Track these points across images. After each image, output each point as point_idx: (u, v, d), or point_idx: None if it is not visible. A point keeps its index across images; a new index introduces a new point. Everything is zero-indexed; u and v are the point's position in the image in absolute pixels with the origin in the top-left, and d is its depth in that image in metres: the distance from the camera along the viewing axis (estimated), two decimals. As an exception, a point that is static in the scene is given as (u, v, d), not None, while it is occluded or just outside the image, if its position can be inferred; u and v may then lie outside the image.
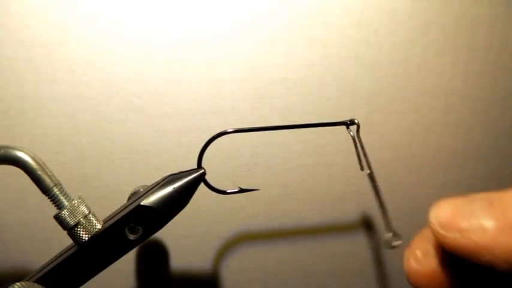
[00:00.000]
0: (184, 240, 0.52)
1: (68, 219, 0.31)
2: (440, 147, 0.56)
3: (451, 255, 0.22)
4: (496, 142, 0.57)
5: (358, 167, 0.34)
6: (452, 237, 0.21)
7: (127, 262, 0.52)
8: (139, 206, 0.32)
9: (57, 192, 0.31)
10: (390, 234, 0.33)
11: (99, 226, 0.32)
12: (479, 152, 0.57)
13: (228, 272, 0.54)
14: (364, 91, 0.52)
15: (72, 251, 0.33)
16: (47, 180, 0.31)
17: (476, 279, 0.24)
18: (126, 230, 0.32)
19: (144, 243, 0.33)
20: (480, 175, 0.58)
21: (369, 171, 0.35)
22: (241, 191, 0.37)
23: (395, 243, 0.33)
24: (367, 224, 0.56)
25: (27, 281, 0.32)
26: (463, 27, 0.52)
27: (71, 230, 0.32)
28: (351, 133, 0.36)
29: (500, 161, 0.58)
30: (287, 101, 0.50)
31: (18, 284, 0.30)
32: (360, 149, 0.35)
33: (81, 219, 0.32)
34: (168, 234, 0.52)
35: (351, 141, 0.38)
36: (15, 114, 0.46)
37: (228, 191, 0.36)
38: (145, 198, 0.32)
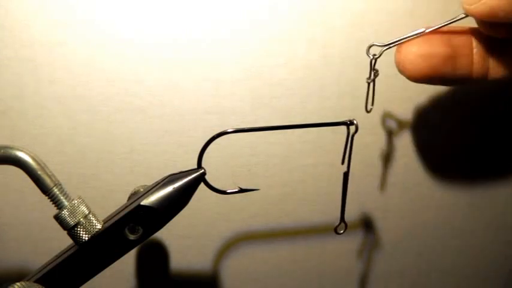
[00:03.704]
0: (184, 240, 0.52)
1: (68, 219, 0.31)
2: (440, 147, 0.56)
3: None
4: (496, 142, 0.57)
5: (341, 160, 0.40)
6: (474, 7, 0.34)
7: (127, 262, 0.52)
8: (139, 206, 0.32)
9: (57, 192, 0.31)
10: (342, 224, 0.40)
11: (99, 226, 0.32)
12: (479, 152, 0.57)
13: (228, 272, 0.54)
14: (364, 91, 0.51)
15: (72, 251, 0.33)
16: (47, 180, 0.31)
17: None
18: (126, 230, 0.32)
19: (144, 243, 0.33)
20: (480, 175, 0.58)
21: (346, 171, 0.39)
22: (241, 191, 0.37)
23: (341, 231, 0.40)
24: (367, 224, 0.56)
25: (27, 281, 0.32)
26: (463, 27, 0.52)
27: (71, 230, 0.32)
28: (348, 132, 0.39)
29: (500, 161, 0.58)
30: (287, 101, 0.50)
31: (18, 284, 0.30)
32: (348, 148, 0.38)
33: (81, 219, 0.32)
34: (168, 234, 0.52)
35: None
36: (15, 114, 0.46)
37: (228, 191, 0.36)
38: (145, 198, 0.32)
